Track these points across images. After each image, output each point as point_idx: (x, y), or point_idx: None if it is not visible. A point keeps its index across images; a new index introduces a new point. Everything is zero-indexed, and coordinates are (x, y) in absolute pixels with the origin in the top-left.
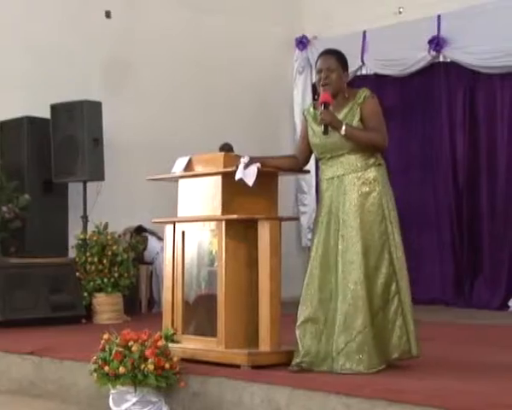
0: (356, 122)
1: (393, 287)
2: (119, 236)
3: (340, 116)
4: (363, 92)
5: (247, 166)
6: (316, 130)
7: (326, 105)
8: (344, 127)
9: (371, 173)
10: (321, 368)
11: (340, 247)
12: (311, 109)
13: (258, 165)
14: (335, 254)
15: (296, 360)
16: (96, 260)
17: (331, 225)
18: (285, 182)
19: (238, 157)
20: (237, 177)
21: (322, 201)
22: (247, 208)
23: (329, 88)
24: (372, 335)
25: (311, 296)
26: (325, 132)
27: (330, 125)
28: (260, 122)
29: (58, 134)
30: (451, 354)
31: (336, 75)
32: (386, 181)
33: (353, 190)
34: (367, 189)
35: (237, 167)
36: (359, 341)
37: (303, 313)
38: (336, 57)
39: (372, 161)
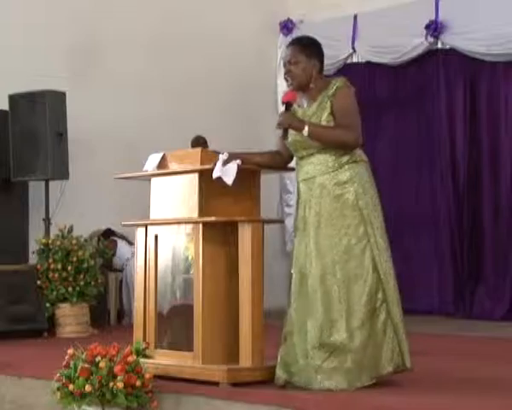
0: (325, 117)
1: (380, 295)
2: (86, 240)
3: (310, 111)
4: (336, 83)
5: (225, 163)
6: None
7: (288, 106)
8: (306, 128)
9: (345, 173)
10: (300, 382)
11: (313, 255)
12: None
13: (239, 162)
14: (309, 263)
15: (279, 375)
16: (59, 267)
17: (306, 230)
18: (268, 181)
19: (216, 153)
20: (215, 175)
21: (298, 204)
22: (227, 210)
23: (292, 83)
24: (354, 349)
25: (293, 306)
26: (284, 137)
27: (290, 128)
28: (240, 114)
29: (17, 127)
30: (450, 368)
31: (300, 68)
32: (365, 179)
33: (326, 193)
34: (340, 191)
35: (215, 165)
36: (338, 356)
37: (286, 324)
38: (301, 47)
39: (346, 158)
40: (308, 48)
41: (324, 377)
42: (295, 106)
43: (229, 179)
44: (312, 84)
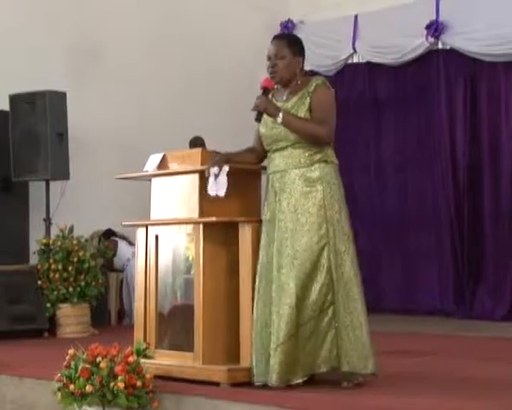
0: (303, 112)
1: (329, 297)
2: (86, 240)
3: (289, 105)
4: (316, 81)
5: (216, 176)
6: (265, 118)
7: (265, 91)
8: (281, 115)
9: (315, 172)
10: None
11: (274, 249)
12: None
13: (227, 169)
14: (271, 257)
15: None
16: (60, 267)
17: (272, 224)
18: None
19: (215, 153)
20: (211, 194)
21: (266, 198)
22: (227, 210)
23: (276, 77)
24: (294, 346)
25: (257, 304)
26: (257, 119)
27: (265, 113)
28: (240, 114)
29: (18, 128)
30: (450, 369)
31: (285, 62)
32: (333, 181)
33: (294, 188)
34: (308, 188)
35: (207, 180)
36: (281, 352)
37: (254, 323)
38: (286, 42)
39: (318, 157)
40: (294, 45)
41: (271, 372)
42: (274, 100)
43: (221, 192)
44: (295, 81)
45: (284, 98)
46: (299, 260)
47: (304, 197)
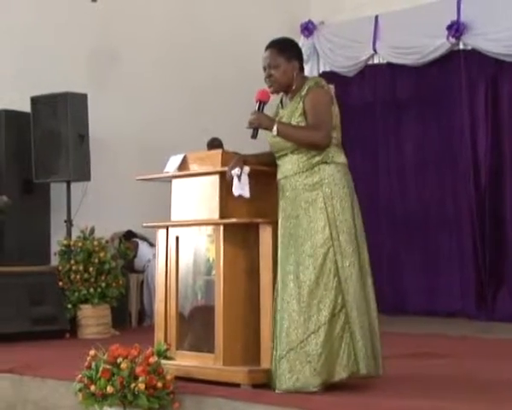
0: (296, 118)
1: (340, 300)
2: (107, 241)
3: (285, 111)
4: (309, 83)
5: (239, 177)
6: None
7: (260, 105)
8: (275, 127)
9: (315, 175)
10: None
11: (279, 256)
12: (278, 103)
13: (247, 169)
14: (278, 263)
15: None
16: (81, 268)
17: (279, 231)
18: None
19: (235, 154)
20: (236, 194)
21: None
22: (248, 211)
23: (274, 86)
24: (307, 352)
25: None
26: (253, 137)
27: (260, 128)
28: None
29: (39, 129)
30: (470, 371)
31: (280, 71)
32: (335, 181)
33: (296, 194)
34: (309, 193)
35: (231, 183)
36: (291, 358)
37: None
38: (278, 50)
39: (317, 159)
40: (287, 50)
41: (278, 379)
42: (281, 107)
43: (246, 193)
44: (294, 85)
45: (287, 105)
46: (304, 265)
47: (304, 202)
